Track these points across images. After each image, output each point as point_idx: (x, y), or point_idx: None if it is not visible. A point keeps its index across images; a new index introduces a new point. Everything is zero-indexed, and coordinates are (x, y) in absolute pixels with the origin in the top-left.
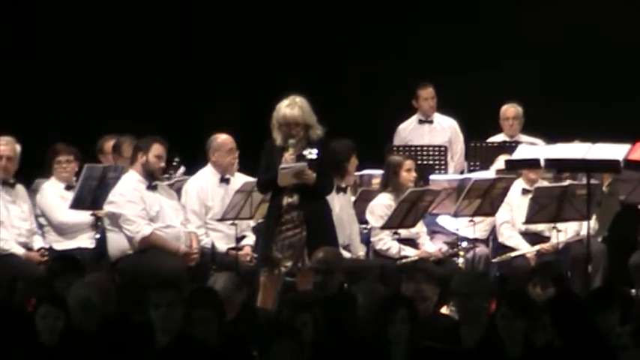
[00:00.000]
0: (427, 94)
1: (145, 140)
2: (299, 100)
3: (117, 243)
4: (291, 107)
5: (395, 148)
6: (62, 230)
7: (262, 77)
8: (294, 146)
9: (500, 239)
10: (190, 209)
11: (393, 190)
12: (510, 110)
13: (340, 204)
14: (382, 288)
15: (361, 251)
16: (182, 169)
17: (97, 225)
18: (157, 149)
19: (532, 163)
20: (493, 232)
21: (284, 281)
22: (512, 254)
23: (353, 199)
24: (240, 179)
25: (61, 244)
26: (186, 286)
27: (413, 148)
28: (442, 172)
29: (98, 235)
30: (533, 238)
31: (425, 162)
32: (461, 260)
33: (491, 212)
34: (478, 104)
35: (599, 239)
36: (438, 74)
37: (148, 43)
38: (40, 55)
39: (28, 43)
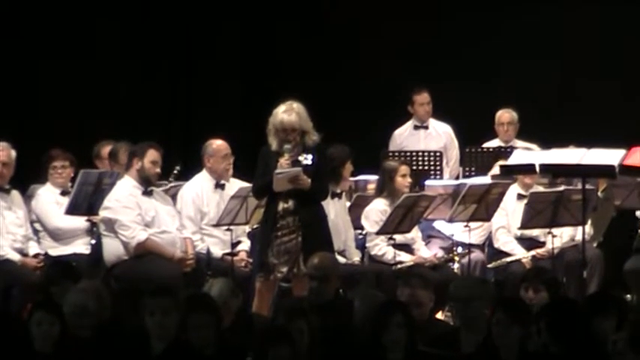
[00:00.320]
0: (422, 99)
1: (140, 146)
2: (296, 105)
3: (112, 248)
4: (288, 113)
5: (390, 154)
6: (57, 236)
7: (261, 83)
8: (289, 152)
9: (496, 245)
10: (186, 215)
11: (389, 195)
12: (505, 116)
13: (335, 209)
14: (378, 293)
15: (356, 257)
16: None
17: (93, 230)
18: (152, 155)
19: (527, 169)
20: (489, 237)
21: (280, 287)
22: (508, 259)
23: (348, 204)
24: (235, 185)
25: (57, 250)
26: (182, 291)
27: (408, 154)
28: (437, 177)
29: (94, 241)
30: (528, 243)
31: (420, 167)
32: (456, 266)
33: (487, 218)
34: (473, 110)
35: (595, 244)
36: (433, 80)
37: (147, 46)
38: (36, 60)
39: (24, 48)
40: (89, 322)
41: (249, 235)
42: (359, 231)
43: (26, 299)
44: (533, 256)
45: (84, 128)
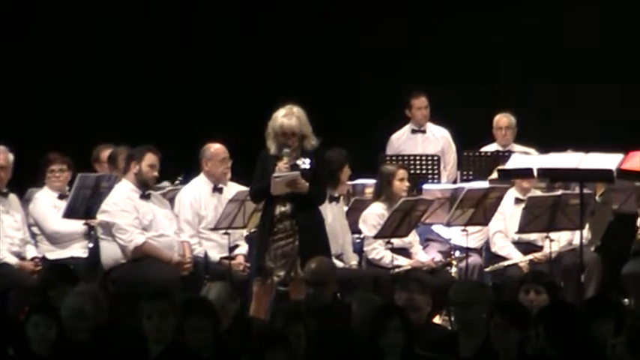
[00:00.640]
0: (420, 103)
1: (138, 149)
2: (296, 110)
3: (110, 252)
4: (288, 117)
5: (388, 158)
6: (55, 239)
7: (260, 84)
8: (288, 155)
9: (493, 249)
10: (183, 218)
11: (386, 199)
12: (503, 120)
13: (333, 213)
14: (376, 298)
15: (354, 260)
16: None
17: (90, 234)
18: (150, 158)
19: (525, 173)
20: (487, 241)
21: (277, 290)
22: (505, 263)
23: (346, 208)
24: (233, 188)
25: (54, 254)
26: (180, 295)
27: (406, 158)
28: (435, 181)
29: (91, 245)
30: (526, 247)
31: (418, 171)
32: (454, 270)
33: (485, 222)
34: (471, 114)
35: (592, 249)
36: (433, 81)
37: (146, 47)
38: (34, 63)
39: (22, 51)
40: (86, 326)
41: (247, 239)
42: (356, 235)
43: (23, 302)
44: (531, 260)
45: (82, 130)
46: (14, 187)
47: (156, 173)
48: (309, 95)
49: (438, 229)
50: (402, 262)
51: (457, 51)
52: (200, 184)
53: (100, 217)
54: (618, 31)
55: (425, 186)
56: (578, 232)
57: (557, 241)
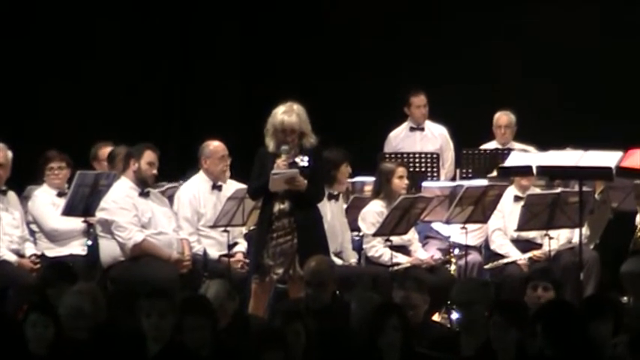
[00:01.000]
0: (419, 101)
1: (137, 147)
2: (296, 107)
3: (109, 250)
4: (288, 114)
5: (387, 156)
6: (54, 237)
7: (260, 84)
8: (287, 153)
9: (492, 247)
10: (182, 216)
11: (385, 197)
12: (503, 118)
13: (332, 211)
14: (375, 296)
15: (353, 258)
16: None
17: (89, 232)
18: (149, 156)
19: (524, 170)
20: (486, 239)
21: (275, 288)
22: (504, 261)
23: (345, 206)
24: (232, 186)
25: (53, 251)
26: (179, 293)
27: (405, 156)
28: (434, 179)
29: (90, 242)
30: (525, 245)
31: (417, 169)
32: (453, 267)
33: (484, 219)
34: (471, 111)
35: (591, 247)
36: (432, 80)
37: (146, 46)
38: (33, 62)
39: (26, 51)
40: (85, 324)
41: (246, 237)
42: (356, 233)
43: (22, 301)
44: (530, 258)
45: (82, 129)
46: (13, 184)
47: (155, 171)
48: (309, 95)
49: (437, 226)
50: (402, 259)
51: (457, 51)
52: (199, 181)
53: (99, 214)
54: (618, 30)
55: (424, 184)
56: (577, 230)
57: (557, 239)
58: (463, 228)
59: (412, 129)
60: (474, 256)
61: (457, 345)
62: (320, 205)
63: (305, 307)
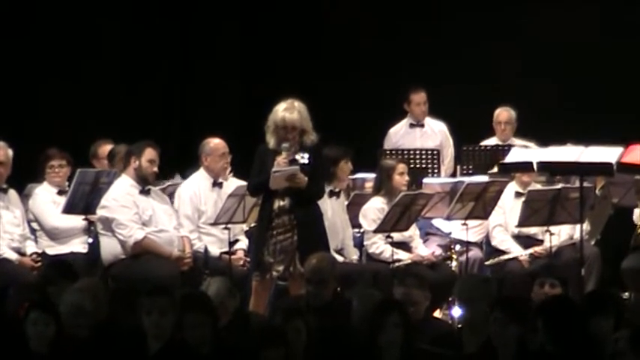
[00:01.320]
0: (419, 98)
1: (137, 145)
2: (297, 104)
3: (110, 247)
4: (289, 111)
5: (388, 152)
6: (54, 235)
7: (260, 83)
8: (287, 150)
9: (493, 243)
10: (183, 214)
11: (386, 193)
12: (503, 114)
13: (333, 208)
14: (376, 293)
15: (354, 255)
16: (179, 179)
17: (90, 230)
18: (149, 154)
19: (525, 166)
20: (487, 235)
21: (276, 286)
22: (505, 257)
23: (346, 203)
24: (232, 183)
25: (54, 249)
26: (179, 291)
27: (406, 152)
28: (435, 175)
29: (91, 240)
30: (526, 241)
31: (418, 166)
32: (454, 264)
33: (485, 216)
34: (472, 108)
35: (592, 243)
36: (432, 79)
37: (146, 46)
38: (34, 61)
39: (26, 49)
40: (86, 322)
41: (247, 234)
42: (357, 229)
43: (23, 299)
44: (531, 254)
45: (82, 128)
46: (14, 182)
47: (155, 168)
48: (309, 95)
49: (437, 223)
50: (402, 256)
51: (457, 51)
52: (200, 179)
53: (100, 212)
54: (618, 30)
55: (425, 180)
56: (579, 227)
57: (558, 235)
58: (464, 224)
59: (412, 125)
60: (474, 253)
61: (459, 341)
62: (320, 202)
63: (306, 305)
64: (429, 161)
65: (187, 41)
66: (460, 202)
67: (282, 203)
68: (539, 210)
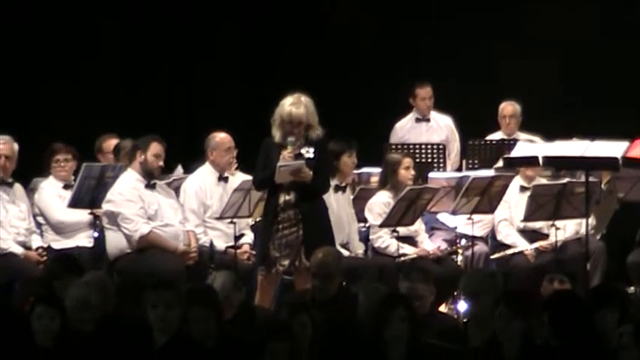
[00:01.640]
0: (425, 93)
1: (143, 139)
2: (304, 99)
3: (115, 242)
4: (296, 106)
5: (393, 147)
6: (60, 229)
7: (260, 84)
8: (293, 145)
9: (498, 237)
10: (189, 208)
11: (392, 188)
12: (508, 108)
13: (339, 202)
14: (382, 287)
15: (360, 249)
16: (180, 170)
17: (96, 224)
18: (155, 148)
19: (530, 161)
20: (492, 229)
21: (282, 280)
22: (510, 251)
23: (351, 197)
24: (238, 178)
25: (60, 243)
26: (185, 285)
27: (411, 146)
28: (441, 170)
29: (96, 234)
30: (531, 235)
31: (423, 160)
32: (460, 258)
33: (490, 210)
34: (477, 102)
35: (598, 237)
36: (435, 71)
37: (146, 46)
38: (40, 55)
39: (29, 43)
40: (91, 316)
41: (253, 228)
42: (362, 224)
43: (28, 293)
44: (537, 249)
45: (87, 123)
46: (19, 177)
47: (161, 163)
48: (308, 95)
49: (442, 217)
50: (408, 250)
51: (457, 51)
52: (205, 173)
53: (105, 206)
54: (618, 30)
55: (430, 174)
56: (584, 222)
57: (563, 230)
58: (469, 219)
59: (418, 120)
60: (480, 247)
61: (464, 336)
62: (326, 197)
63: (311, 299)
64: (435, 156)
65: (187, 41)
66: (466, 196)
67: (287, 198)
68: (545, 205)
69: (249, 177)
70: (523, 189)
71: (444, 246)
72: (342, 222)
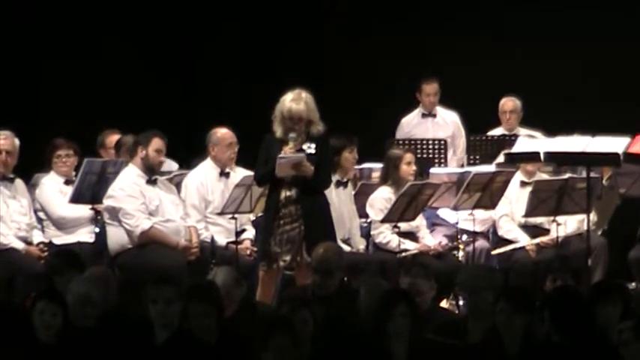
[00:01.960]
0: (431, 89)
1: (144, 135)
2: (305, 95)
3: (116, 237)
4: (296, 102)
5: (395, 142)
6: (61, 225)
7: (263, 70)
8: (294, 140)
9: (500, 232)
10: (190, 203)
11: (393, 183)
12: (508, 104)
13: (340, 198)
14: (383, 282)
15: (361, 245)
16: (175, 166)
17: (97, 219)
18: (156, 143)
19: (532, 156)
20: (494, 225)
21: (283, 275)
22: (511, 247)
23: (353, 192)
24: (240, 173)
25: (61, 239)
26: (186, 280)
27: (413, 142)
28: (442, 165)
29: (97, 230)
30: (532, 230)
31: (425, 155)
32: (461, 254)
33: (491, 206)
34: (478, 97)
35: (599, 233)
36: (440, 67)
37: (147, 46)
38: (42, 51)
39: (32, 39)
40: (93, 312)
41: (254, 224)
42: (364, 219)
43: (30, 289)
44: (538, 244)
45: (85, 124)
46: (21, 172)
47: (162, 158)
48: (316, 77)
49: (443, 213)
50: (409, 246)
51: (457, 50)
52: (207, 168)
53: (107, 202)
54: (619, 29)
55: (432, 170)
56: (586, 218)
57: (564, 225)
58: (470, 214)
59: (424, 115)
60: (481, 242)
61: (464, 331)
62: (327, 192)
63: (312, 294)
64: (436, 151)
65: (187, 41)
66: (467, 192)
67: (288, 193)
68: (546, 200)
69: (250, 172)
70: (524, 184)
71: (445, 242)
72: (343, 217)
